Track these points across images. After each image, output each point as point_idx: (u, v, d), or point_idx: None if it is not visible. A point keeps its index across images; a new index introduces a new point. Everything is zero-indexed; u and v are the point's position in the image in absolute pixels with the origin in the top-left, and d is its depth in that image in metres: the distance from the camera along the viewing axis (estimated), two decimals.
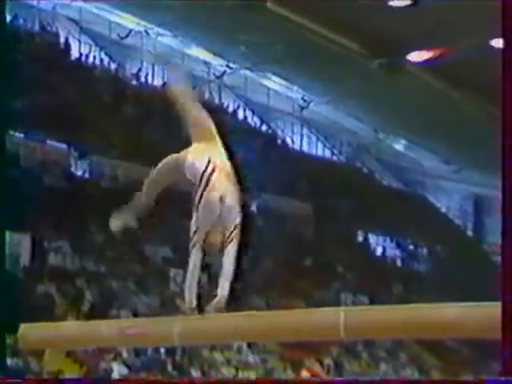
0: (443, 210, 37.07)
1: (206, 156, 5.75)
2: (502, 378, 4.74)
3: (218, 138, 5.89)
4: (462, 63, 24.94)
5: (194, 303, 5.56)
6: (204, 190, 5.63)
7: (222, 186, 5.64)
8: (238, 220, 5.61)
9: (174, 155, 5.99)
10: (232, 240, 5.58)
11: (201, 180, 5.66)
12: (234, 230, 5.59)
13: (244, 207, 5.69)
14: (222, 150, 5.84)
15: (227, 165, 5.76)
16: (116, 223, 6.16)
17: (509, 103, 4.92)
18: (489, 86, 26.18)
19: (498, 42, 23.86)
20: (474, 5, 21.69)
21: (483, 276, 31.88)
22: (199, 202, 5.62)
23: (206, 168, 5.68)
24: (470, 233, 37.88)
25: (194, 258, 5.62)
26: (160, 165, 6.04)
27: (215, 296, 5.54)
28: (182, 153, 5.90)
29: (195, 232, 5.61)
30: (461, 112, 28.20)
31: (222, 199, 5.60)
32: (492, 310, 5.24)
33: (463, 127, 29.09)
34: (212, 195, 5.61)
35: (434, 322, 5.35)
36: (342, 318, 5.35)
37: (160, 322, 6.24)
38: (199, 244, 5.61)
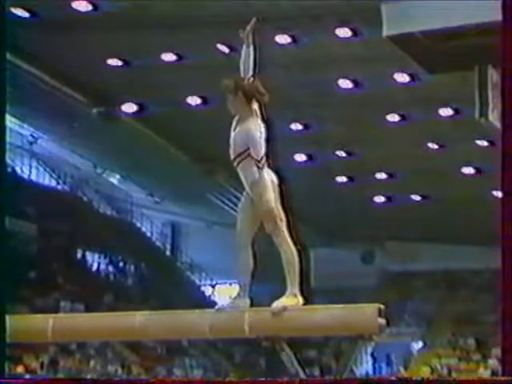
0: (147, 234, 37.51)
1: None
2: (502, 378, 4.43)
3: None
4: (164, 115, 25.61)
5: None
6: None
7: None
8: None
9: None
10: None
11: None
12: None
13: None
14: None
15: None
16: None
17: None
18: (183, 134, 27.13)
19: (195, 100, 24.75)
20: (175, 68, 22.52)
21: (177, 288, 32.66)
22: None
23: None
24: (168, 253, 38.57)
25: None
26: None
27: None
28: None
29: None
30: (164, 155, 28.82)
31: None
32: (171, 317, 5.40)
33: (165, 167, 29.76)
34: None
35: (125, 327, 5.48)
36: (50, 323, 5.38)
37: None
38: None
